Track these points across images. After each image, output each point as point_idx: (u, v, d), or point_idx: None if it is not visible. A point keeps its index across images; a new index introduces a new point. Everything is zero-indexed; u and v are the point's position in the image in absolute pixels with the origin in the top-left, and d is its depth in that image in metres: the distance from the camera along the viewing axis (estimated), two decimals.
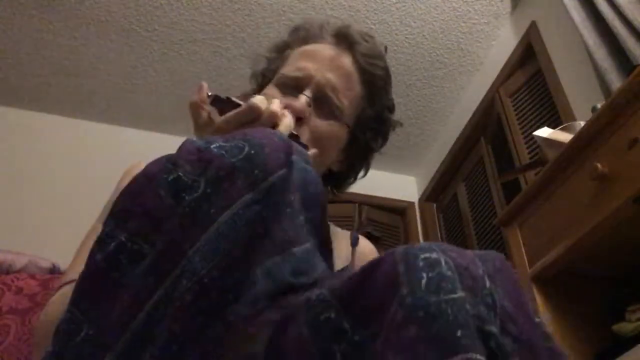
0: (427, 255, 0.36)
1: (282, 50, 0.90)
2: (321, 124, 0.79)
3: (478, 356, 0.32)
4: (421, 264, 0.36)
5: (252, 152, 0.47)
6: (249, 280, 0.42)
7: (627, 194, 1.13)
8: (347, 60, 0.84)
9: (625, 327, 1.25)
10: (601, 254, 1.32)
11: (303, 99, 0.77)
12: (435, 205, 3.44)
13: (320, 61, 0.82)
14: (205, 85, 0.72)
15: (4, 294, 0.99)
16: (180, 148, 0.50)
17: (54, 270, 1.18)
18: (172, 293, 0.42)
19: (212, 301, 0.41)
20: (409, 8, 2.67)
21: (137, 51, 2.83)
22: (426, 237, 3.30)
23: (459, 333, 0.32)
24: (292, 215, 0.45)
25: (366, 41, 0.87)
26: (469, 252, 0.40)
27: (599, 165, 1.21)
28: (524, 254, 1.47)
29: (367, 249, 0.90)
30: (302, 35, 0.88)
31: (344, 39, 0.86)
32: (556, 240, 1.33)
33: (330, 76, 0.81)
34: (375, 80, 0.87)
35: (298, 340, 0.37)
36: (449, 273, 0.35)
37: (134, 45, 2.80)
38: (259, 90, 0.88)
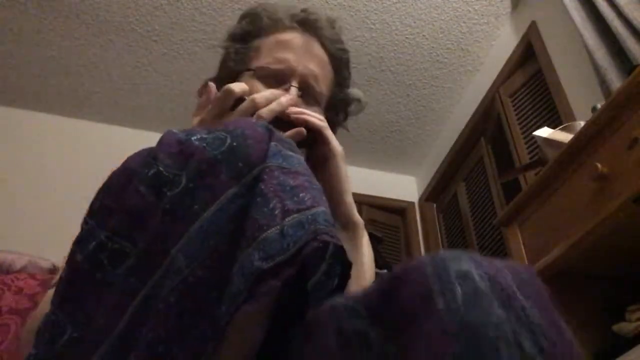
0: (457, 268, 0.36)
1: (247, 40, 0.88)
2: None
3: None
4: (453, 276, 0.35)
5: (235, 143, 0.46)
6: (231, 277, 0.41)
7: (627, 194, 1.13)
8: (318, 48, 0.87)
9: (625, 327, 1.25)
10: (601, 254, 1.32)
11: (294, 91, 0.79)
12: (435, 205, 3.44)
13: (297, 52, 0.83)
14: (212, 85, 0.72)
15: (4, 294, 0.99)
16: (160, 141, 0.48)
17: (54, 270, 1.18)
18: (156, 294, 0.41)
19: (196, 300, 0.40)
20: (409, 8, 2.67)
21: (137, 51, 2.83)
22: (426, 237, 3.30)
23: (501, 348, 0.32)
24: (263, 202, 0.43)
25: (332, 26, 0.90)
26: (496, 261, 0.39)
27: (599, 165, 1.21)
28: (524, 254, 1.47)
29: None
30: (266, 24, 0.88)
31: (311, 26, 0.87)
32: (556, 240, 1.33)
33: (312, 66, 0.83)
34: (343, 64, 0.91)
35: (324, 350, 0.37)
36: (483, 286, 0.35)
37: (134, 45, 2.80)
38: (228, 77, 0.87)
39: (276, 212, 0.42)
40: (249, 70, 0.83)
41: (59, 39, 2.74)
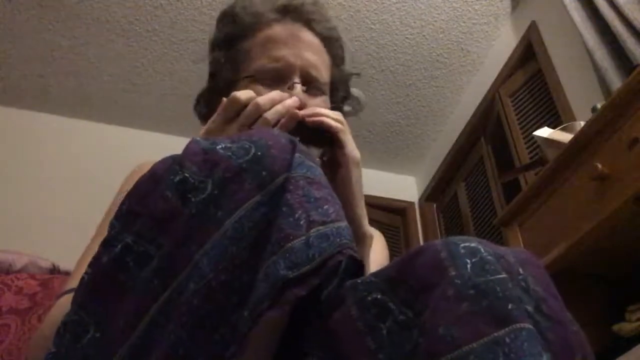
0: (466, 244, 0.40)
1: (233, 44, 0.84)
2: (317, 104, 0.78)
3: (529, 325, 0.35)
4: (462, 251, 0.39)
5: (259, 153, 0.46)
6: (254, 283, 0.41)
7: (627, 194, 1.13)
8: (309, 34, 0.83)
9: (625, 327, 1.25)
10: (601, 254, 1.32)
11: (299, 88, 0.77)
12: (435, 205, 3.44)
13: (291, 44, 0.80)
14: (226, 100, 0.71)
15: (4, 294, 0.99)
16: (185, 149, 0.49)
17: (54, 270, 1.18)
18: (178, 296, 0.41)
19: (218, 304, 0.41)
20: (409, 8, 2.67)
21: (137, 51, 2.83)
22: (426, 237, 3.30)
23: (509, 306, 0.36)
24: (288, 212, 0.44)
25: (315, 5, 0.86)
26: (500, 247, 0.43)
27: (599, 165, 1.21)
28: None
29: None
30: (249, 21, 0.83)
31: (295, 12, 0.83)
32: (556, 240, 1.33)
33: (308, 56, 0.80)
34: (334, 43, 0.87)
35: (346, 319, 0.40)
36: (490, 258, 0.39)
37: (134, 45, 2.80)
38: (223, 88, 0.83)
39: (301, 222, 0.43)
40: (246, 77, 0.80)
41: (59, 39, 2.74)
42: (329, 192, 0.48)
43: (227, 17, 0.87)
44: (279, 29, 0.82)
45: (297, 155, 0.48)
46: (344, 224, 0.46)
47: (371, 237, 0.73)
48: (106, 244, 0.45)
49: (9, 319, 0.96)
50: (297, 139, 0.51)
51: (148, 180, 0.48)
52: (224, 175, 0.45)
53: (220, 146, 0.48)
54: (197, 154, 0.48)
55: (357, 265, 0.44)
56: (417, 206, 3.52)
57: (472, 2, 2.65)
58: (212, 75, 0.88)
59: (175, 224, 0.44)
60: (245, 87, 0.79)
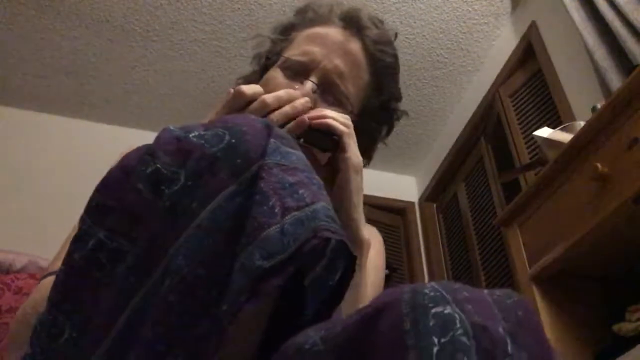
0: (439, 310, 0.32)
1: (287, 32, 0.85)
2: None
3: None
4: (432, 323, 0.31)
5: (233, 140, 0.45)
6: (232, 276, 0.40)
7: (627, 194, 1.13)
8: (356, 46, 0.81)
9: (625, 327, 1.25)
10: (601, 254, 1.32)
11: (308, 85, 0.74)
12: (435, 205, 3.44)
13: (328, 46, 0.78)
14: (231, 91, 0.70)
15: (4, 294, 0.99)
16: (157, 138, 0.47)
17: None
18: (155, 292, 0.40)
19: (196, 299, 0.39)
20: (409, 8, 2.67)
21: (137, 51, 2.83)
22: (426, 237, 3.30)
23: None
24: (262, 200, 0.42)
25: (376, 26, 0.84)
26: (486, 298, 0.34)
27: (599, 165, 1.21)
28: (524, 254, 1.47)
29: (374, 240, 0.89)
30: (309, 17, 0.84)
31: (353, 23, 0.82)
32: (556, 241, 1.33)
33: (338, 62, 0.77)
34: (384, 68, 0.84)
35: None
36: (464, 339, 0.30)
37: (134, 45, 2.80)
38: (260, 72, 0.84)
39: (276, 210, 0.41)
40: (274, 62, 0.80)
41: (59, 39, 2.74)
42: (305, 175, 0.46)
43: (298, 10, 0.87)
44: (327, 31, 0.81)
45: (272, 140, 0.46)
46: (320, 204, 0.43)
47: (368, 243, 0.71)
48: (78, 240, 0.43)
49: (9, 318, 0.96)
50: (272, 123, 0.49)
51: (119, 172, 0.46)
52: (197, 165, 0.43)
53: (193, 134, 0.46)
54: (169, 143, 0.46)
55: (341, 243, 0.43)
56: (417, 206, 3.51)
57: (472, 2, 2.65)
58: (255, 57, 0.88)
59: (149, 218, 0.43)
60: (271, 72, 0.79)
